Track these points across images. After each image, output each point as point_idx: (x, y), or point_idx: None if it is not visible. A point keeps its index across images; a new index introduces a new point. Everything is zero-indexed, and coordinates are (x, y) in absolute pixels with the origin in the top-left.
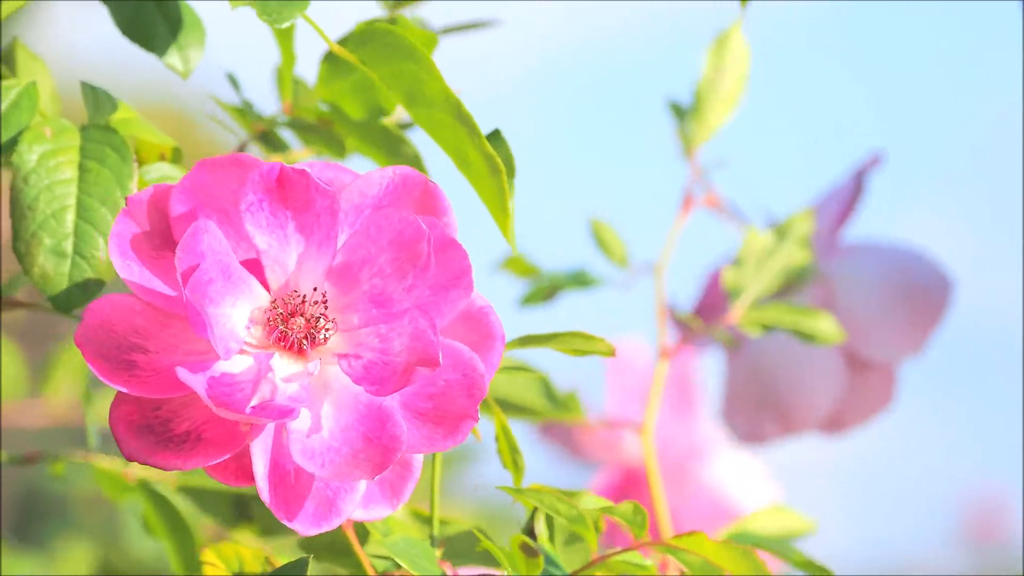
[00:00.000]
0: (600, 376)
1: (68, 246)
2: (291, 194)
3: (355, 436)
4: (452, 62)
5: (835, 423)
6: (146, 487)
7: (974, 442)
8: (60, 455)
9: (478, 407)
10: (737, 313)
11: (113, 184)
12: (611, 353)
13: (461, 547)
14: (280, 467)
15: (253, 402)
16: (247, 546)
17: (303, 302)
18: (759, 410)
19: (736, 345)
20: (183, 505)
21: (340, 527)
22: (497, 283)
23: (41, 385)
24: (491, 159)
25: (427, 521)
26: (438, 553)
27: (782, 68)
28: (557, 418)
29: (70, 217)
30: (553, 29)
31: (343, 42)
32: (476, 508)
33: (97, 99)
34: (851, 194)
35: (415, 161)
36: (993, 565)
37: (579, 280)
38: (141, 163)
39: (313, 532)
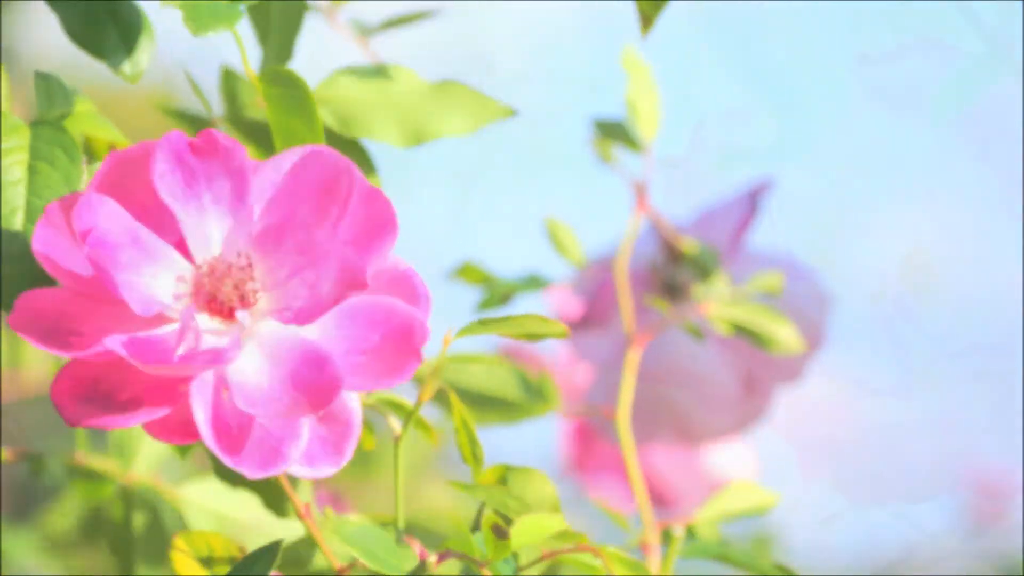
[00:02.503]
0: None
1: (16, 249)
2: (201, 159)
3: (294, 379)
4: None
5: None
6: (126, 493)
7: (979, 424)
8: (44, 454)
9: (421, 349)
10: (709, 306)
11: (62, 186)
12: (565, 335)
13: (430, 537)
14: (221, 417)
15: (179, 351)
16: (217, 534)
17: (228, 268)
18: (652, 416)
19: (701, 338)
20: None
21: (301, 517)
22: (453, 293)
23: (16, 358)
24: None
25: (392, 524)
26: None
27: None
28: (533, 408)
29: (19, 218)
30: (493, 26)
31: (265, 75)
32: (453, 509)
33: (50, 91)
34: (743, 216)
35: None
36: (997, 548)
37: (533, 283)
38: (94, 159)
39: (260, 475)
